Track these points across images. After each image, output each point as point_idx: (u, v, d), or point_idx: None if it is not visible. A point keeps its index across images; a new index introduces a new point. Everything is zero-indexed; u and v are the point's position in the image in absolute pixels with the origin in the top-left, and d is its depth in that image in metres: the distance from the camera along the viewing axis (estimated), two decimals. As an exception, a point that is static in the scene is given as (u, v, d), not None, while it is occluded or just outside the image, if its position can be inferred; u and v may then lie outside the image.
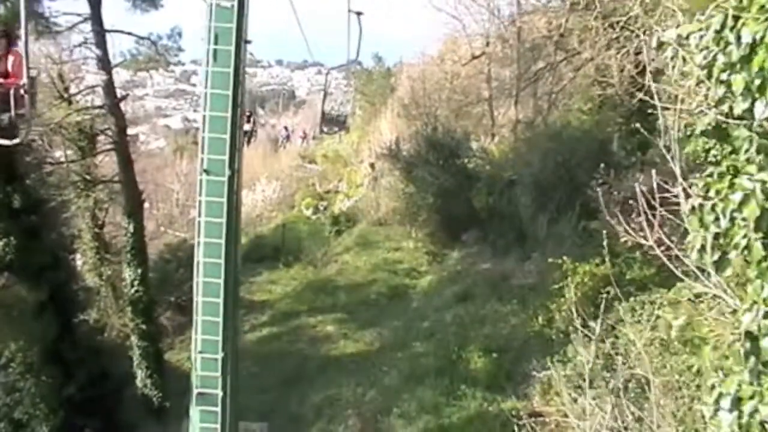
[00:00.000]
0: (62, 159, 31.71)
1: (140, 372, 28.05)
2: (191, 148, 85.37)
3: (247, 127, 21.46)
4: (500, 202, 29.76)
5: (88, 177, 31.18)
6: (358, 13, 18.10)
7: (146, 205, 55.78)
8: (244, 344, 30.08)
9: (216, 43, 14.89)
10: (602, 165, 21.95)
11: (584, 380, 18.22)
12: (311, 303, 33.01)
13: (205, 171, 15.31)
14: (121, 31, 27.76)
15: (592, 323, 19.67)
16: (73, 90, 29.84)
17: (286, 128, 59.28)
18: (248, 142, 21.65)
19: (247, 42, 15.75)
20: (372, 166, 48.82)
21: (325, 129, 25.38)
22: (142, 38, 30.09)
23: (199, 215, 15.52)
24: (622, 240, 20.93)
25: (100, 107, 28.06)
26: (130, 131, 32.36)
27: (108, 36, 26.95)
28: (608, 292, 20.51)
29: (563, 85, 29.40)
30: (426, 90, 41.22)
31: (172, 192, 60.61)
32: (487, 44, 40.64)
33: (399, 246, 36.50)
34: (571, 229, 24.07)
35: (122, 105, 28.92)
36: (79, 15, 26.44)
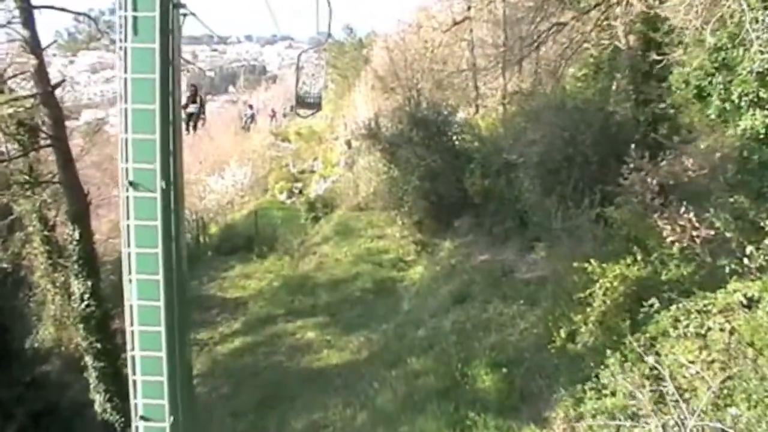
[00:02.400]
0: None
1: (98, 396, 23.81)
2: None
3: (192, 108, 17.13)
4: (497, 184, 25.53)
5: (27, 176, 26.82)
6: None
7: (114, 193, 51.72)
8: (214, 358, 26.18)
9: (135, 8, 10.52)
10: (633, 146, 17.87)
11: (627, 416, 14.50)
12: (289, 305, 28.75)
13: (130, 184, 10.98)
14: (52, 7, 23.03)
15: (628, 338, 16.06)
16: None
17: (250, 106, 52.09)
18: (194, 127, 17.33)
19: (178, 6, 11.30)
20: (348, 143, 44.83)
21: (300, 112, 21.91)
22: (80, 14, 25.59)
23: (127, 245, 11.19)
24: (667, 238, 17.16)
25: (32, 96, 23.47)
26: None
27: (39, 15, 22.42)
28: (645, 300, 16.75)
29: (574, 49, 25.00)
30: (407, 60, 36.79)
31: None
32: (469, 8, 36.39)
33: (383, 233, 32.35)
34: (589, 220, 19.85)
35: (60, 91, 24.55)
36: (0, -9, 21.87)
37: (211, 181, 46.17)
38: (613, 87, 26.09)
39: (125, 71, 10.65)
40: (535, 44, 23.52)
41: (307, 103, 20.92)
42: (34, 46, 22.12)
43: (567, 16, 23.62)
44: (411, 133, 28.58)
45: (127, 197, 10.98)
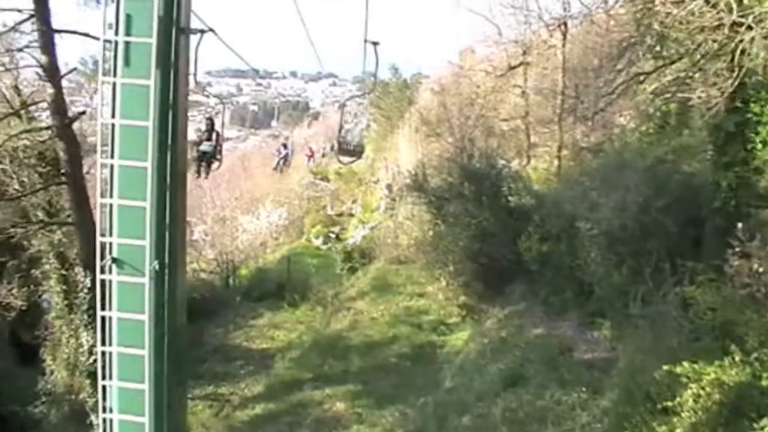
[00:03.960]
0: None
1: (108, 465, 20.87)
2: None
3: (206, 146, 14.41)
4: (556, 250, 22.50)
5: (47, 211, 24.67)
6: (375, 43, 13.66)
7: None
8: (232, 426, 23.27)
9: (128, 31, 7.80)
10: (739, 225, 14.77)
11: None
12: (318, 369, 25.70)
13: (113, 262, 8.17)
14: (75, 32, 20.64)
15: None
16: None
17: (284, 145, 47.27)
18: (207, 170, 14.58)
19: (187, 31, 8.45)
20: (389, 188, 42.12)
21: (341, 159, 20.29)
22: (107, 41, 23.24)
23: (105, 341, 8.35)
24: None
25: (47, 128, 21.15)
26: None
27: (60, 39, 20.12)
28: (745, 411, 13.61)
29: (658, 105, 22.06)
30: (459, 105, 34.00)
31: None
32: (524, 53, 33.70)
33: (423, 291, 29.32)
34: (673, 305, 16.67)
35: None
36: (20, 11, 19.58)
37: (245, 220, 43.40)
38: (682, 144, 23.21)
39: (112, 115, 7.89)
40: (614, 95, 20.56)
41: (348, 150, 18.94)
42: (52, 73, 19.78)
43: (642, 66, 20.63)
44: (461, 187, 25.68)
45: (108, 282, 8.16)
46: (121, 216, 7.99)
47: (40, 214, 24.70)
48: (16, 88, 23.91)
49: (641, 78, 19.52)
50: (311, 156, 58.69)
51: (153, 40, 7.53)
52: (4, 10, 19.55)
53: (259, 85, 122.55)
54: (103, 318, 8.20)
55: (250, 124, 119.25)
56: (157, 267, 8.13)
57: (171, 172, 8.14)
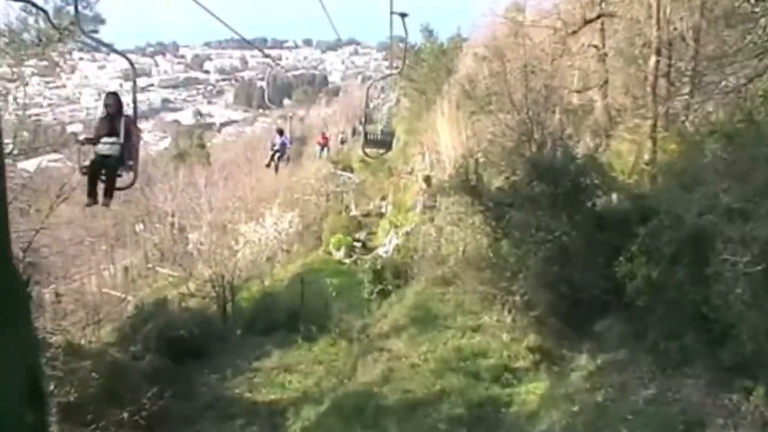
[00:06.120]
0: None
1: None
2: (195, 153, 75.59)
3: (106, 147, 10.09)
4: (672, 277, 17.99)
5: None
6: (403, 15, 13.99)
7: (140, 227, 46.75)
8: None
9: None
10: None
11: None
12: (341, 441, 21.60)
13: None
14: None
15: None
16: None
17: (280, 132, 37.26)
18: (111, 187, 10.17)
19: None
20: (427, 180, 37.95)
21: (367, 151, 20.03)
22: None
23: None
24: None
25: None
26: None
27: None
28: None
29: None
30: (515, 74, 29.43)
31: (165, 215, 50.25)
32: (602, 3, 29.19)
33: (478, 323, 24.96)
34: None
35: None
36: None
37: (248, 228, 38.86)
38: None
39: None
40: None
41: (375, 140, 18.91)
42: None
43: None
44: (531, 188, 21.20)
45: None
46: None
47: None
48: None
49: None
50: (324, 144, 51.19)
51: None
52: None
53: (268, 56, 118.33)
54: None
55: (258, 103, 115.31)
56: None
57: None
